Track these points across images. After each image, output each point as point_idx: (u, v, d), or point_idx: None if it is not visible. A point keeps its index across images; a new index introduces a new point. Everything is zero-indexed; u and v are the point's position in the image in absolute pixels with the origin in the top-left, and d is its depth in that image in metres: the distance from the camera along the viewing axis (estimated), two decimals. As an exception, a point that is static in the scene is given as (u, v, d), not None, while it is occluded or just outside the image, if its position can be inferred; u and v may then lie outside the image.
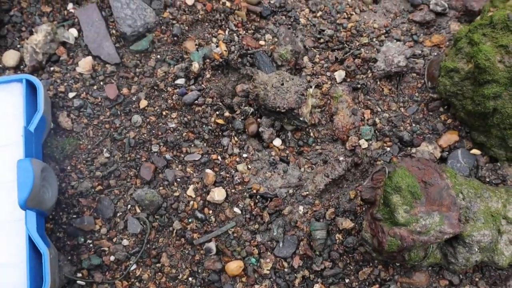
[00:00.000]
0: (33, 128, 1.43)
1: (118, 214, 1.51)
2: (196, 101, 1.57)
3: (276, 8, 1.71)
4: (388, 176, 1.36)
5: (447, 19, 1.73)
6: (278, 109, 1.48)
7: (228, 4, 1.68)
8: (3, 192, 1.40)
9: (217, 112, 1.58)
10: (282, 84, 1.50)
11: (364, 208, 1.53)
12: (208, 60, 1.61)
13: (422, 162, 1.42)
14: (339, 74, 1.63)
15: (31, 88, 1.49)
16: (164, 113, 1.58)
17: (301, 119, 1.52)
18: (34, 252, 1.34)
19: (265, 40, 1.67)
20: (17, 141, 1.43)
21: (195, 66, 1.57)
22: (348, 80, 1.64)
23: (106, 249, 1.49)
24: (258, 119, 1.57)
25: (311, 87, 1.58)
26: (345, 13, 1.72)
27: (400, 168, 1.36)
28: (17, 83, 1.48)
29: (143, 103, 1.58)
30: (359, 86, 1.62)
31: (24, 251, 1.34)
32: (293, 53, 1.60)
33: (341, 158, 1.56)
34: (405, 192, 1.31)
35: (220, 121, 1.56)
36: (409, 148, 1.58)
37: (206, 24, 1.68)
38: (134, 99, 1.59)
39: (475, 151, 1.56)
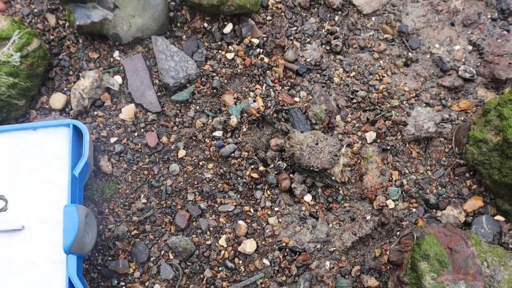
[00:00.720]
0: (78, 172, 1.49)
1: (152, 259, 1.57)
2: (233, 154, 1.63)
3: (312, 66, 1.79)
4: (416, 242, 1.41)
5: (475, 85, 1.80)
6: (311, 168, 1.55)
7: (266, 60, 1.76)
8: (45, 232, 1.45)
9: (252, 166, 1.65)
10: (317, 144, 1.57)
11: (389, 268, 1.58)
12: (245, 114, 1.68)
13: (448, 228, 1.48)
14: (370, 135, 1.70)
15: (76, 132, 1.56)
16: (201, 163, 1.65)
17: (332, 178, 1.58)
18: (73, 295, 1.39)
19: (300, 97, 1.74)
20: (61, 184, 1.49)
21: (234, 120, 1.64)
22: (378, 141, 1.71)
23: (138, 292, 1.54)
24: (291, 175, 1.64)
25: (343, 146, 1.64)
26: (377, 75, 1.79)
27: (428, 235, 1.41)
28: (64, 127, 1.56)
29: (181, 153, 1.64)
30: (388, 147, 1.69)
31: (62, 293, 1.39)
32: (327, 113, 1.67)
33: (368, 217, 1.62)
34: (433, 260, 1.36)
35: (255, 175, 1.63)
36: (434, 211, 1.63)
37: (244, 78, 1.76)
38: (172, 147, 1.66)
39: (499, 217, 1.61)
